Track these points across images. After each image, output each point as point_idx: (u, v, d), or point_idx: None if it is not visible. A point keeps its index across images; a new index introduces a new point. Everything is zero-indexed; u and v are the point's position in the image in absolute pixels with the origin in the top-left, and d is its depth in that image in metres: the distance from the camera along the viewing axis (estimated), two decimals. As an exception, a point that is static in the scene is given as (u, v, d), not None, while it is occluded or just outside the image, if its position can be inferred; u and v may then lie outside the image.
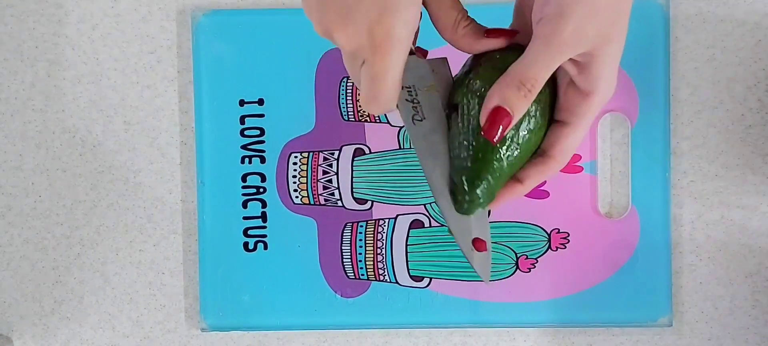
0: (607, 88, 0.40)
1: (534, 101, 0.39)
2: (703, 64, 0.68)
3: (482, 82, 0.40)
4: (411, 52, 0.42)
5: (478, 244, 0.42)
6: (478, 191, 0.41)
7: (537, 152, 0.44)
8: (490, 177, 0.41)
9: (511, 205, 0.68)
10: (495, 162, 0.41)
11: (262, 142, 0.69)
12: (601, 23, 0.36)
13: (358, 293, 0.69)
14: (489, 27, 0.40)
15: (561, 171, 0.68)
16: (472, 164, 0.41)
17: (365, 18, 0.35)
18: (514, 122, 0.38)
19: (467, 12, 0.40)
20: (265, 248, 0.70)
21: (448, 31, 0.40)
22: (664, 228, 0.68)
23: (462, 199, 0.42)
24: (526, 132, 0.41)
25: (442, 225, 0.68)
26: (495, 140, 0.38)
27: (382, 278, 0.69)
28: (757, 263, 0.68)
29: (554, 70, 0.38)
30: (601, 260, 0.68)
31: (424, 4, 0.39)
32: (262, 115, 0.69)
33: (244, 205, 0.70)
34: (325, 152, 0.69)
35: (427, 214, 0.68)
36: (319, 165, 0.69)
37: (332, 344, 0.71)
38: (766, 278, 0.68)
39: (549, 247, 0.68)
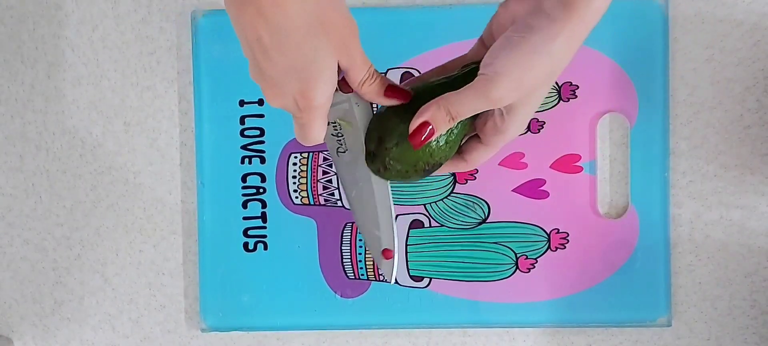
0: (517, 130, 0.49)
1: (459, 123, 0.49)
2: (702, 65, 0.68)
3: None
4: (337, 89, 0.48)
5: (386, 253, 0.53)
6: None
7: (458, 151, 0.53)
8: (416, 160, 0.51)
9: (510, 205, 0.68)
10: (414, 165, 0.51)
11: (262, 142, 0.69)
12: (523, 91, 0.45)
13: (358, 293, 0.69)
14: (390, 84, 0.49)
15: (561, 171, 0.68)
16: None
17: (290, 91, 0.45)
18: (434, 137, 0.48)
19: (374, 69, 0.48)
20: (265, 248, 0.70)
21: (355, 86, 0.48)
22: (663, 228, 0.68)
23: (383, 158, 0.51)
24: (443, 142, 0.50)
25: (442, 225, 0.68)
26: (416, 146, 0.48)
27: (381, 278, 0.69)
28: (756, 263, 0.68)
29: (478, 112, 0.48)
30: (601, 260, 0.68)
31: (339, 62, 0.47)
32: (261, 116, 0.69)
33: (244, 205, 0.70)
34: (325, 152, 0.69)
35: (427, 214, 0.69)
36: (318, 165, 0.69)
37: (332, 344, 0.71)
38: (765, 278, 0.68)
39: (549, 247, 0.68)
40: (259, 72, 0.44)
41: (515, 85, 0.44)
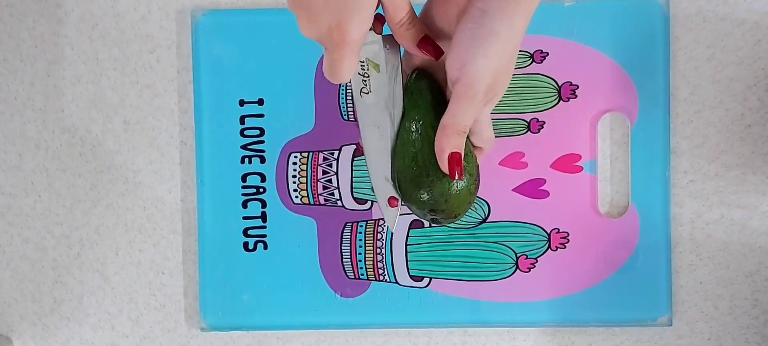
0: (496, 100, 0.51)
1: None
2: (703, 64, 0.68)
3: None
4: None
5: (391, 201, 0.54)
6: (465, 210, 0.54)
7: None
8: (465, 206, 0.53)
9: (510, 205, 0.68)
10: (469, 198, 0.52)
11: (262, 142, 0.69)
12: (503, 76, 0.48)
13: (357, 293, 0.69)
14: (425, 35, 0.49)
15: (561, 171, 0.68)
16: (456, 209, 0.52)
17: (327, 22, 0.45)
18: (463, 156, 0.50)
19: (414, 15, 0.48)
20: (265, 247, 0.70)
21: (393, 26, 0.48)
22: (664, 227, 0.68)
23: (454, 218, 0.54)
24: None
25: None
26: (461, 175, 0.49)
27: (381, 277, 0.69)
28: (757, 263, 0.68)
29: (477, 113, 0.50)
30: (601, 259, 0.68)
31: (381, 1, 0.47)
32: (262, 115, 0.69)
33: (244, 205, 0.70)
34: (325, 152, 0.69)
35: (427, 213, 0.68)
36: (318, 165, 0.69)
37: (332, 344, 0.71)
38: (766, 278, 0.68)
39: (549, 247, 0.68)
40: (297, 0, 0.45)
41: (493, 73, 0.46)
